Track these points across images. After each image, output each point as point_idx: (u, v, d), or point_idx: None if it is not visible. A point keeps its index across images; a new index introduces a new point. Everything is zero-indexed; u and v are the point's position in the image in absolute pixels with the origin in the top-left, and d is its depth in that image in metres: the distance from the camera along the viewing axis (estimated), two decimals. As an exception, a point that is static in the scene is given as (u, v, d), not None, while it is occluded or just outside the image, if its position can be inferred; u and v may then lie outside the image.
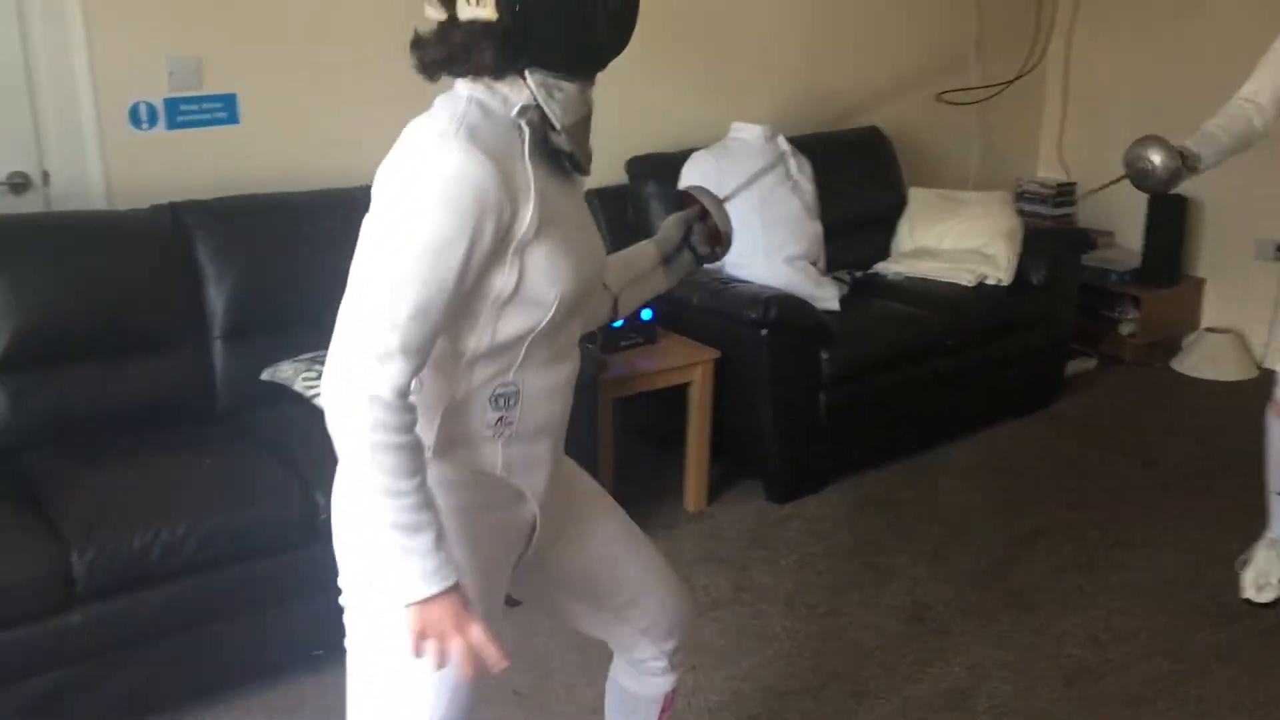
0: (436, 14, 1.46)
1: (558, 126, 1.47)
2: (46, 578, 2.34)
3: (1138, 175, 2.69)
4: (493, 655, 1.46)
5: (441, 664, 1.46)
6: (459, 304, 1.43)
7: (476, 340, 1.49)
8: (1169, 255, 4.80)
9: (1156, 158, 2.64)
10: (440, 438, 1.51)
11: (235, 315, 3.00)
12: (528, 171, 1.44)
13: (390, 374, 1.38)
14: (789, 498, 3.61)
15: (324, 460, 2.25)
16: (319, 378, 2.86)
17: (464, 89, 1.47)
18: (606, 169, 3.93)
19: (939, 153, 4.92)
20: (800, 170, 3.98)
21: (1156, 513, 3.53)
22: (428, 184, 1.38)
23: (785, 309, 3.45)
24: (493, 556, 1.59)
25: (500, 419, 1.54)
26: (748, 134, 3.93)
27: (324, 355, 2.59)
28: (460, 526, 1.52)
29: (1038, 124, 5.30)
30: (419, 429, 1.44)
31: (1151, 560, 3.28)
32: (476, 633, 1.44)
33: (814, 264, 3.89)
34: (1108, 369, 4.70)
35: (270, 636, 2.64)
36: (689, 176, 3.83)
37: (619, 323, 3.45)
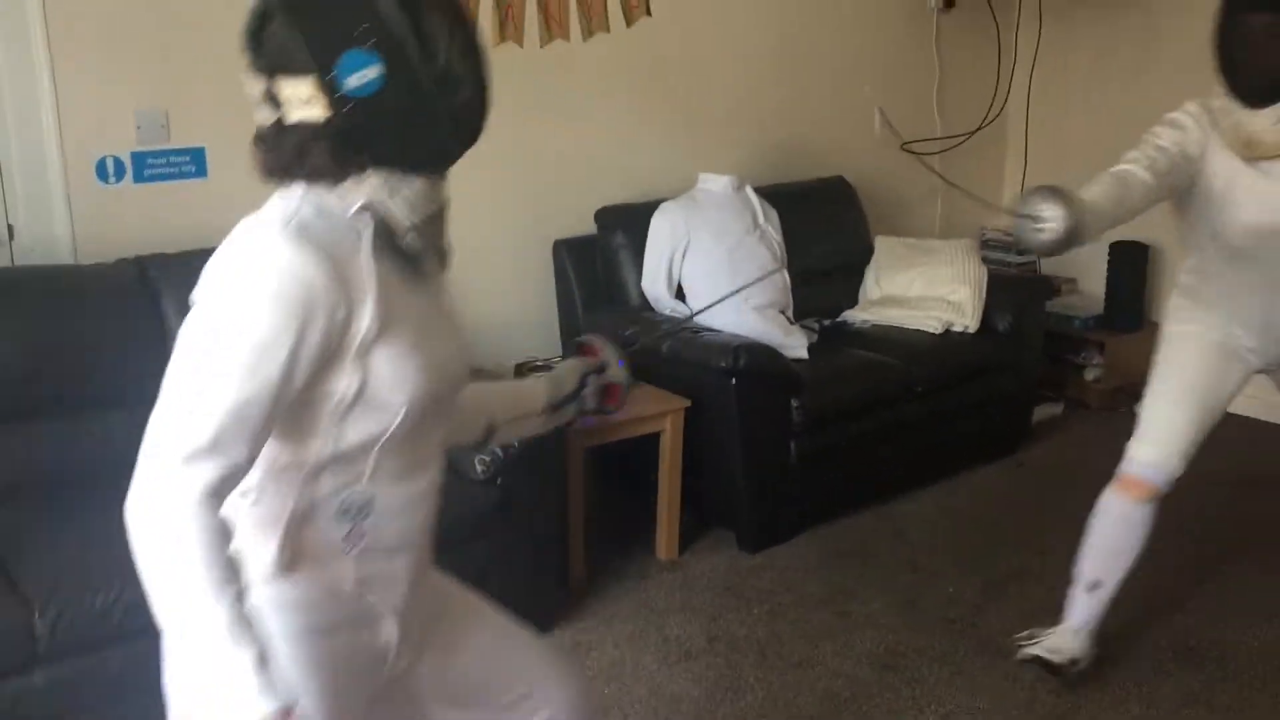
0: (266, 117, 1.37)
1: (403, 226, 1.39)
2: (8, 637, 2.30)
3: (1031, 232, 2.43)
4: None
5: None
6: (290, 408, 1.33)
7: (319, 448, 1.39)
8: (1131, 301, 4.87)
9: (1060, 220, 2.38)
10: (284, 554, 1.40)
11: (202, 369, 2.98)
12: (368, 271, 1.35)
13: (199, 476, 1.26)
14: (761, 546, 3.61)
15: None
16: None
17: (300, 187, 1.38)
18: (575, 219, 3.96)
19: (904, 202, 4.99)
20: (768, 220, 4.02)
21: (1125, 557, 3.55)
22: (253, 279, 1.30)
23: (755, 357, 3.47)
24: (345, 683, 1.47)
25: (351, 532, 1.44)
26: (715, 184, 3.97)
27: None
28: (307, 651, 1.41)
29: (1000, 173, 5.38)
30: (258, 544, 1.38)
31: (1119, 606, 3.28)
32: None
33: (783, 312, 3.92)
34: (1074, 414, 4.74)
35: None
36: (658, 226, 3.86)
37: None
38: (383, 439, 1.41)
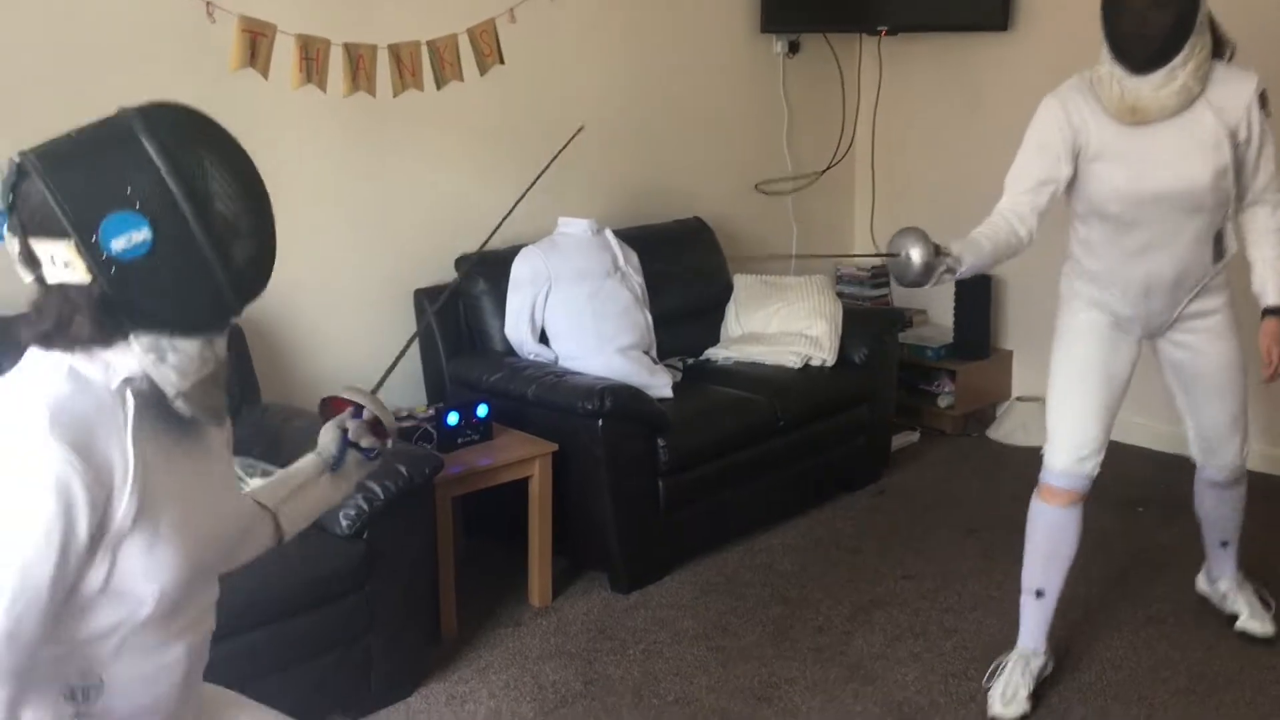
0: (25, 277, 1.26)
1: (175, 392, 1.30)
2: None
3: (897, 265, 2.63)
4: None
5: None
6: (55, 614, 1.23)
7: (50, 635, 1.26)
8: (978, 330, 5.07)
9: (915, 252, 2.58)
10: None
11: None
12: (127, 454, 1.25)
13: None
14: (633, 586, 3.62)
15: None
16: (256, 474, 2.74)
17: (60, 355, 1.27)
18: (435, 267, 3.94)
19: (760, 240, 5.11)
20: (628, 262, 4.07)
21: (982, 577, 3.68)
22: (10, 498, 1.19)
23: (620, 399, 3.50)
24: None
25: (76, 713, 1.31)
26: (574, 228, 4.00)
27: (252, 462, 2.31)
28: None
29: (850, 210, 5.56)
30: None
31: (981, 624, 3.40)
32: None
33: (646, 353, 3.97)
34: (930, 441, 4.90)
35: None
36: (518, 271, 3.87)
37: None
38: (128, 626, 1.30)
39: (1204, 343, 2.91)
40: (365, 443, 1.71)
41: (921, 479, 4.53)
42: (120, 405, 1.28)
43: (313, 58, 3.34)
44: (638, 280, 4.07)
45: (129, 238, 1.21)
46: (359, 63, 3.46)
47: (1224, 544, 3.26)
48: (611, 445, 3.50)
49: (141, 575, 1.28)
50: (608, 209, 4.36)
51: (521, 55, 4.02)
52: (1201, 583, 3.43)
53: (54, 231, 1.22)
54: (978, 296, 5.04)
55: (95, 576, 1.26)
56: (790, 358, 4.23)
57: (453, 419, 3.45)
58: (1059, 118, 2.77)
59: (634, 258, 4.10)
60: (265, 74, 3.26)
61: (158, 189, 1.22)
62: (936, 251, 2.59)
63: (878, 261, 5.38)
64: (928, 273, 2.59)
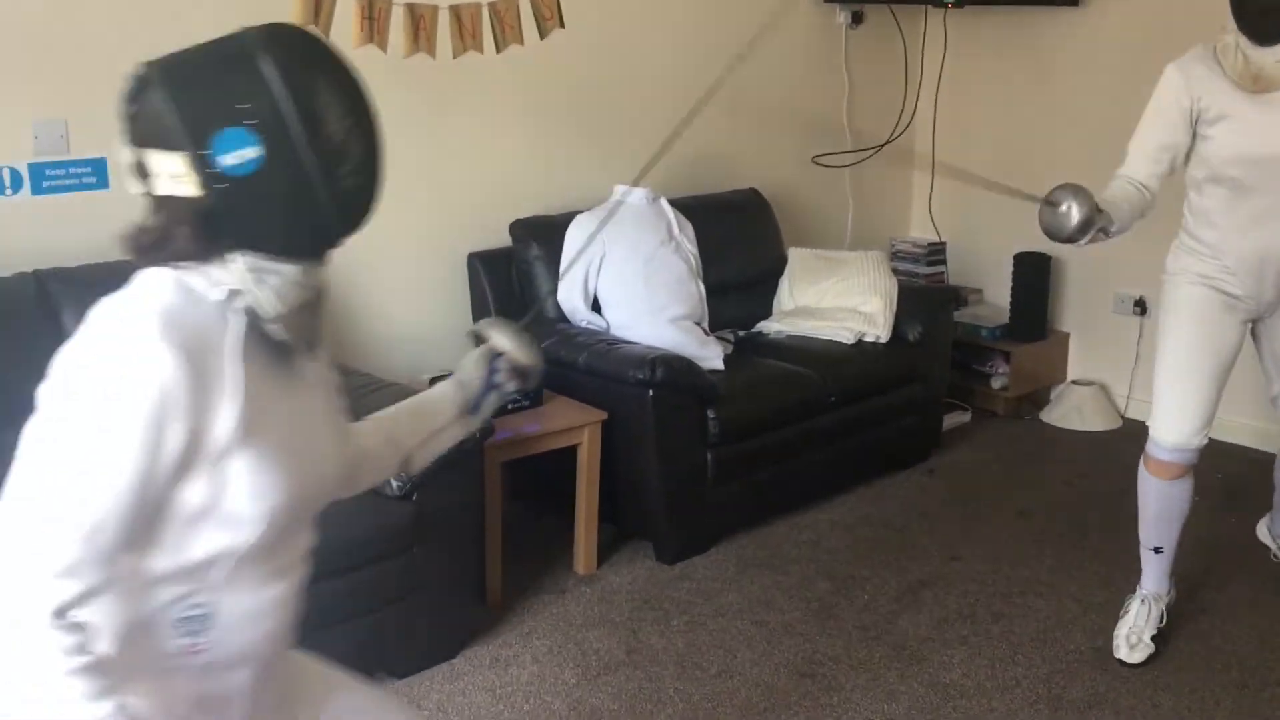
0: (135, 188, 1.29)
1: (273, 315, 1.30)
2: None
3: (1056, 217, 2.62)
4: None
5: None
6: (142, 521, 1.24)
7: (160, 561, 1.28)
8: (1035, 311, 4.98)
9: (1076, 206, 2.59)
10: (115, 668, 1.28)
11: (105, 385, 2.89)
12: (233, 368, 1.26)
13: (50, 598, 1.18)
14: (678, 558, 3.61)
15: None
16: None
17: (169, 269, 1.30)
18: (490, 232, 3.94)
19: (816, 213, 5.05)
20: (683, 232, 4.04)
21: (1032, 562, 3.64)
22: (109, 384, 1.20)
23: (671, 369, 3.48)
24: None
25: (187, 647, 1.32)
26: (630, 197, 3.97)
27: None
28: None
29: (908, 185, 5.48)
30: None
31: (1029, 609, 3.36)
32: None
33: (698, 324, 3.94)
34: (981, 422, 4.84)
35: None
36: (573, 238, 3.85)
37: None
38: (235, 553, 1.31)
39: None
40: (509, 385, 1.72)
41: (972, 460, 4.48)
42: (225, 321, 1.28)
43: (374, 17, 3.33)
44: (692, 250, 4.04)
45: (240, 154, 1.22)
46: (420, 23, 3.44)
47: None
48: (661, 415, 3.48)
49: (248, 496, 1.29)
50: (664, 178, 4.31)
51: (582, 20, 3.98)
52: (1262, 532, 3.53)
53: (168, 143, 1.24)
54: (1035, 277, 4.95)
55: (200, 493, 1.26)
56: (843, 333, 4.18)
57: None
58: (1178, 85, 2.81)
59: (689, 228, 4.07)
60: (326, 32, 3.24)
61: (271, 109, 1.23)
62: (1098, 211, 2.62)
63: (934, 238, 5.31)
64: (1084, 229, 2.61)
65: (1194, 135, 2.81)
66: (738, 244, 4.40)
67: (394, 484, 2.85)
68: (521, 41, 3.68)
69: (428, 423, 1.67)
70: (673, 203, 4.09)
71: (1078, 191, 2.60)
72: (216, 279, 1.29)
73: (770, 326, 4.33)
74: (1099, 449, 4.56)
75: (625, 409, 3.50)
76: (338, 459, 1.47)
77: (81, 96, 3.14)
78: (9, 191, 3.07)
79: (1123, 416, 4.81)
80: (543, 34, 3.74)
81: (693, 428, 3.58)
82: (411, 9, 3.43)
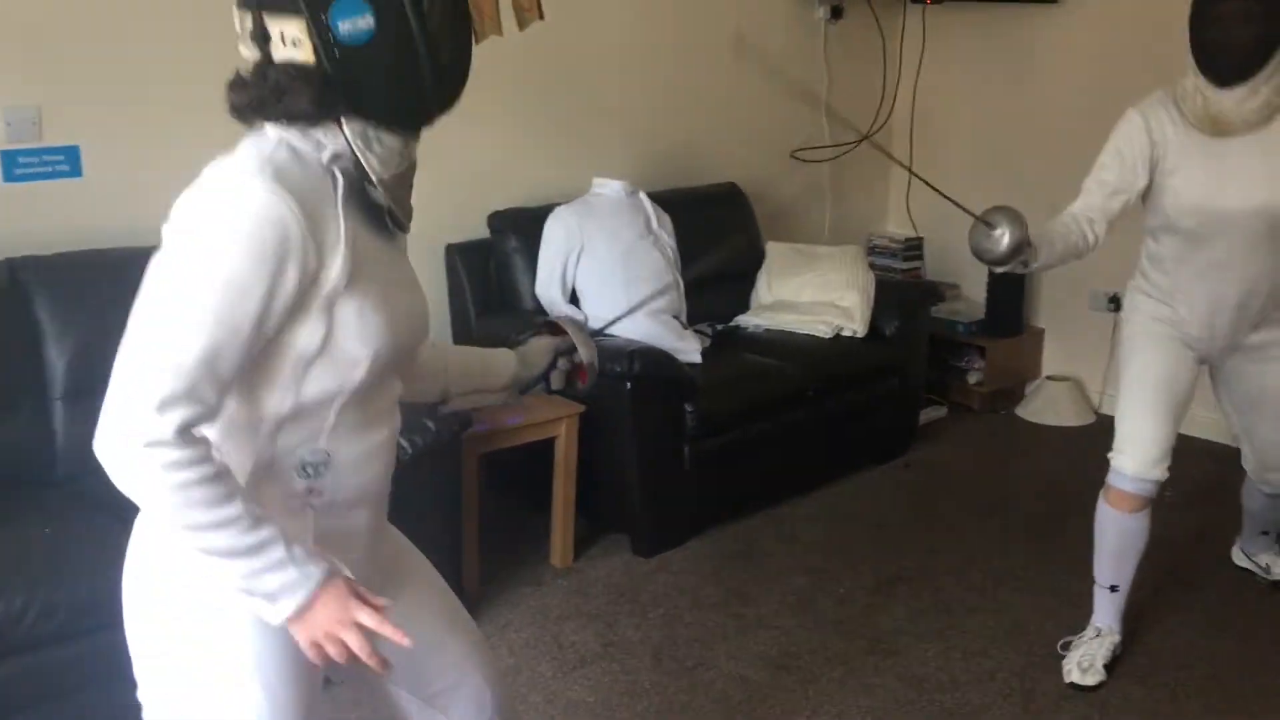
0: (250, 53, 1.38)
1: (374, 180, 1.40)
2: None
3: (986, 239, 2.59)
4: (390, 632, 1.37)
5: (347, 658, 1.37)
6: (254, 357, 1.33)
7: (279, 402, 1.39)
8: (1011, 307, 5.01)
9: (1009, 232, 2.54)
10: None
11: (77, 375, 2.87)
12: (339, 220, 1.36)
13: (171, 420, 1.27)
14: (655, 550, 3.61)
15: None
16: None
17: (274, 130, 1.38)
18: (468, 223, 3.92)
19: (794, 208, 5.06)
20: (661, 225, 4.04)
21: (1007, 555, 3.66)
22: (226, 223, 1.29)
23: (649, 362, 3.48)
24: (318, 677, 1.50)
25: (309, 489, 1.44)
26: (609, 189, 3.97)
27: None
28: (276, 639, 1.42)
29: (886, 180, 5.49)
30: None
31: (1004, 603, 3.38)
32: (368, 617, 1.36)
33: (676, 317, 3.94)
34: (957, 417, 4.86)
35: (120, 715, 2.49)
36: (551, 230, 3.84)
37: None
38: (344, 393, 1.41)
39: (1268, 368, 2.93)
40: (558, 384, 1.83)
41: (948, 455, 4.50)
42: (331, 178, 1.38)
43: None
44: (670, 244, 4.03)
45: (354, 22, 1.32)
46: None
47: (1264, 533, 3.37)
48: (639, 408, 3.48)
49: (356, 337, 1.38)
50: (642, 171, 4.31)
51: (561, 11, 3.97)
52: (1238, 557, 3.53)
53: (287, 9, 1.33)
54: (1011, 274, 4.96)
55: (314, 335, 1.36)
56: (821, 327, 4.19)
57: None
58: (1139, 129, 2.79)
59: (667, 221, 4.07)
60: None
61: None
62: (1027, 242, 2.59)
63: (911, 233, 5.32)
64: (1012, 256, 2.59)
65: (1150, 181, 2.80)
66: (716, 237, 4.40)
67: (404, 444, 2.80)
68: (500, 33, 3.67)
69: (479, 379, 1.77)
70: (651, 196, 4.08)
71: (1014, 218, 2.55)
72: (321, 141, 1.38)
73: (748, 320, 4.33)
74: (1073, 444, 4.59)
75: (603, 402, 3.49)
76: (425, 317, 1.58)
77: (54, 83, 3.11)
78: (-20, 178, 3.03)
79: (1096, 412, 4.84)
80: (522, 25, 3.74)
81: (670, 421, 3.58)
82: None
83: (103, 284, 2.95)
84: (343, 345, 1.38)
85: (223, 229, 1.29)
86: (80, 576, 2.42)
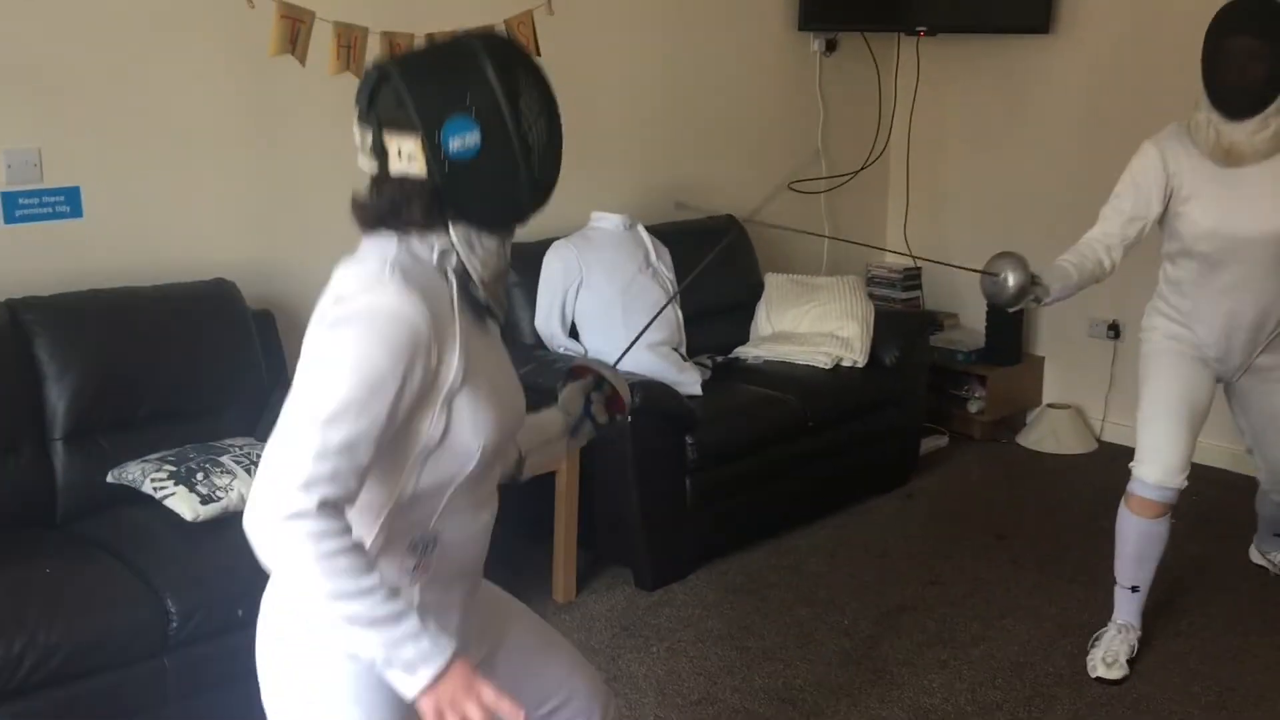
0: (368, 166, 1.50)
1: (477, 279, 1.51)
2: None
3: (994, 285, 2.82)
4: (508, 709, 1.44)
5: None
6: (385, 446, 1.43)
7: (400, 488, 1.50)
8: (1010, 335, 5.01)
9: (1012, 276, 2.77)
10: None
11: (77, 415, 2.87)
12: (455, 319, 1.47)
13: (314, 496, 1.37)
14: (658, 584, 3.60)
15: (173, 564, 2.16)
16: (169, 478, 2.75)
17: (392, 235, 1.49)
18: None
19: (792, 239, 5.07)
20: (660, 258, 4.05)
21: (1011, 584, 3.64)
22: (363, 322, 1.41)
23: (649, 395, 3.48)
24: (400, 701, 1.53)
25: (418, 565, 1.55)
26: (608, 223, 3.98)
27: (173, 454, 2.56)
28: (369, 673, 1.47)
29: (883, 211, 5.51)
30: None
31: (1009, 632, 3.36)
32: (489, 693, 1.43)
33: (676, 350, 3.94)
34: (959, 446, 4.85)
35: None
36: (550, 264, 3.86)
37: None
38: (458, 480, 1.52)
39: (1277, 388, 3.06)
40: (601, 418, 1.93)
41: (950, 484, 4.49)
42: (444, 278, 1.50)
43: (350, 45, 3.34)
44: (669, 277, 4.05)
45: (463, 139, 1.45)
46: (395, 50, 3.45)
47: (1277, 535, 3.55)
48: (640, 441, 3.48)
49: (470, 431, 1.50)
50: (641, 204, 4.33)
51: (557, 46, 4.00)
52: (1254, 555, 3.70)
53: (405, 127, 1.45)
54: (1026, 309, 4.98)
55: (435, 428, 1.48)
56: (821, 358, 4.19)
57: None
58: (1155, 161, 2.94)
59: (666, 254, 4.08)
60: (303, 61, 3.25)
61: (490, 102, 1.45)
62: (1033, 280, 2.78)
63: (910, 263, 5.34)
64: (1020, 297, 2.80)
65: (1166, 210, 2.94)
66: (715, 269, 4.40)
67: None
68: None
69: (540, 433, 1.89)
70: (649, 229, 4.09)
71: (1016, 262, 2.78)
72: (431, 245, 1.50)
73: (748, 352, 4.33)
74: (1075, 472, 4.58)
75: (604, 435, 3.48)
76: (524, 403, 1.68)
77: (54, 125, 3.13)
78: (-19, 220, 3.05)
79: (1098, 439, 4.84)
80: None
81: (671, 453, 3.58)
82: (387, 37, 3.45)
83: (103, 325, 2.97)
84: (459, 437, 1.49)
85: (360, 330, 1.41)
86: (81, 617, 2.41)
